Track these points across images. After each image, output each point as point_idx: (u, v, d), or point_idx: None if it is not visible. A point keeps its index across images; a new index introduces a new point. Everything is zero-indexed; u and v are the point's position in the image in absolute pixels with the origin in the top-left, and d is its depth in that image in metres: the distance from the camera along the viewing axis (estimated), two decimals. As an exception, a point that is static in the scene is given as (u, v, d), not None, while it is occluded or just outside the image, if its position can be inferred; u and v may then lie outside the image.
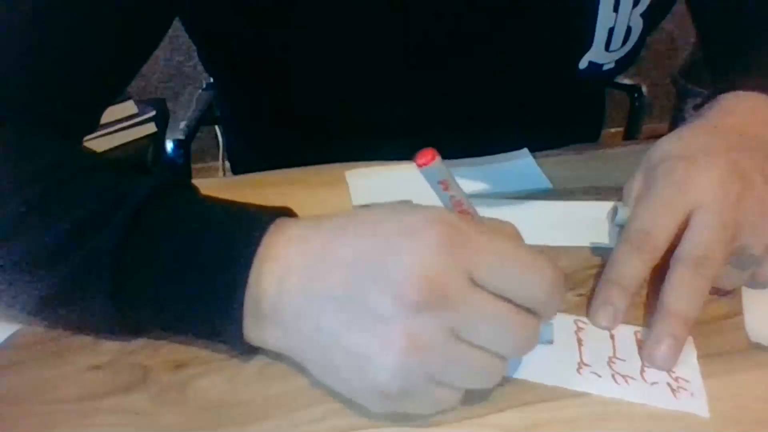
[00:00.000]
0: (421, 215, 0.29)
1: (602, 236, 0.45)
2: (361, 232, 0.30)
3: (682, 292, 0.35)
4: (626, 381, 0.33)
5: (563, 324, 0.37)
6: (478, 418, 0.31)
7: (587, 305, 0.38)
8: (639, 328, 0.37)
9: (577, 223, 0.46)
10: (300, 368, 0.33)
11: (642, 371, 0.34)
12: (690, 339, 0.36)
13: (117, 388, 0.33)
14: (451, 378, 0.29)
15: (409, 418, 0.31)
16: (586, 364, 0.34)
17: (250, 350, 0.33)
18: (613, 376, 0.34)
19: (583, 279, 0.41)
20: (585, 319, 0.37)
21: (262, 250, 0.31)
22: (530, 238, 0.44)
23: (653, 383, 0.33)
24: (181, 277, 0.32)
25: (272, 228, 0.32)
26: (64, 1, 0.42)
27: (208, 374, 0.34)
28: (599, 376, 0.34)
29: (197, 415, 0.32)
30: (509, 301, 0.29)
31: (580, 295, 0.39)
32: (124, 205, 0.33)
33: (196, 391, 0.33)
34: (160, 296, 0.32)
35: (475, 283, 0.28)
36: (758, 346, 0.36)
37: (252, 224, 0.32)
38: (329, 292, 0.30)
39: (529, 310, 0.29)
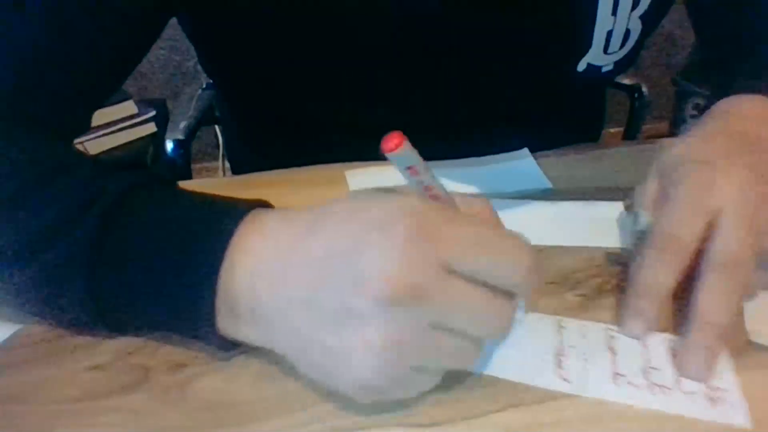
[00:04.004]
0: (391, 207, 0.29)
1: (602, 236, 0.45)
2: (331, 227, 0.30)
3: (717, 299, 0.34)
4: (663, 391, 0.33)
5: (595, 333, 0.36)
6: (478, 418, 0.31)
7: (588, 306, 0.38)
8: (671, 336, 0.36)
9: (577, 223, 0.46)
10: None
11: (678, 381, 0.33)
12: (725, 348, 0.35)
13: (117, 388, 0.33)
14: (430, 364, 0.30)
15: (392, 406, 0.31)
16: (621, 374, 0.34)
17: (225, 345, 0.33)
18: (649, 386, 0.33)
19: (583, 279, 0.41)
20: (616, 327, 0.37)
21: (234, 244, 0.31)
22: (530, 238, 0.45)
23: (691, 393, 0.32)
24: (154, 272, 0.32)
25: (246, 220, 0.32)
26: (57, 3, 0.42)
27: (208, 374, 0.34)
28: (636, 387, 0.33)
29: (197, 415, 0.32)
30: (485, 284, 0.29)
31: (581, 295, 0.39)
32: (99, 200, 0.33)
33: (196, 391, 0.33)
34: (135, 291, 0.32)
35: (449, 270, 0.28)
36: (758, 346, 0.36)
37: (225, 218, 0.32)
38: (301, 292, 0.29)
39: (505, 292, 0.30)
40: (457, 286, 0.28)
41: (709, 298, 0.34)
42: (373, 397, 0.30)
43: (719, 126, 0.43)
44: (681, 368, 0.34)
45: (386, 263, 0.27)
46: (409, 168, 0.29)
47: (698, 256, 0.36)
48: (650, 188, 0.41)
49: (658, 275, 0.36)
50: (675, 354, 0.35)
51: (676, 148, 0.41)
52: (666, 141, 0.43)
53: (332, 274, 0.29)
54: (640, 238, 0.39)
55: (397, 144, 0.27)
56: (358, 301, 0.28)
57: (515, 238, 0.30)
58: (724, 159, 0.39)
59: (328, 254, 0.29)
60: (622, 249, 0.44)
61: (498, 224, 0.32)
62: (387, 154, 0.28)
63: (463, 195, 0.32)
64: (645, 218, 0.40)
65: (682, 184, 0.38)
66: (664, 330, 0.36)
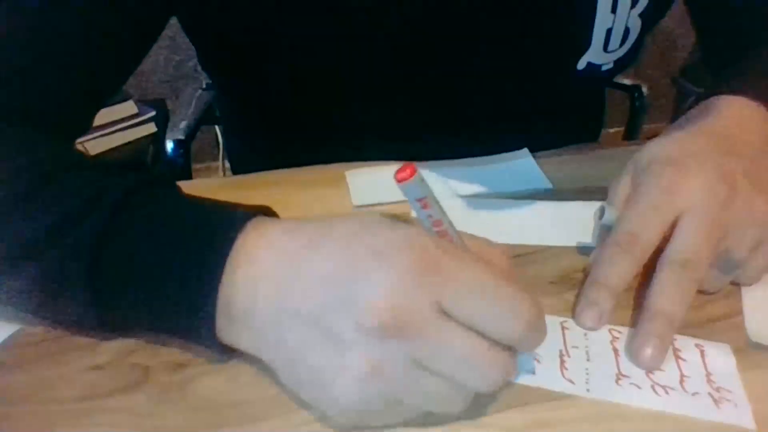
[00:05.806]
0: (395, 236, 0.29)
1: (602, 236, 0.45)
2: (332, 248, 0.30)
3: (669, 293, 0.35)
4: (666, 392, 0.33)
5: (597, 334, 0.36)
6: (478, 418, 0.31)
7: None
8: (675, 336, 0.36)
9: (577, 223, 0.46)
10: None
11: (682, 381, 0.33)
12: (728, 347, 0.35)
13: (117, 388, 0.33)
14: (412, 401, 0.29)
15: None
16: (624, 375, 0.34)
17: (223, 351, 0.33)
18: (652, 386, 0.33)
19: (583, 279, 0.41)
20: (619, 328, 0.37)
21: (236, 252, 0.31)
22: (530, 238, 0.45)
23: (694, 393, 0.32)
24: (155, 276, 0.32)
25: (248, 228, 0.32)
26: (59, 4, 0.42)
27: (208, 374, 0.34)
28: (639, 387, 0.33)
29: (197, 415, 0.32)
30: (481, 333, 0.28)
31: (580, 295, 0.39)
32: (102, 202, 0.33)
33: (196, 391, 0.33)
34: (136, 294, 0.32)
35: (443, 311, 0.28)
36: (758, 346, 0.36)
37: (228, 225, 0.32)
38: (298, 307, 0.29)
39: (504, 345, 0.28)
40: (446, 329, 0.27)
41: (662, 291, 0.36)
42: (351, 421, 0.30)
43: (696, 125, 0.43)
44: (632, 356, 0.34)
45: (379, 294, 0.27)
46: (419, 200, 0.29)
47: (658, 252, 0.37)
48: (622, 185, 0.42)
49: (615, 269, 0.37)
50: (677, 355, 0.35)
51: (651, 147, 0.42)
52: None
53: (328, 296, 0.29)
54: (604, 232, 0.40)
55: (409, 174, 0.27)
56: (346, 328, 0.28)
57: (522, 291, 0.28)
58: (693, 159, 0.39)
59: (328, 275, 0.29)
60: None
61: (509, 273, 0.31)
62: (399, 185, 0.27)
63: (483, 239, 0.32)
64: (610, 213, 0.41)
65: (649, 183, 0.39)
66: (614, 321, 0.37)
